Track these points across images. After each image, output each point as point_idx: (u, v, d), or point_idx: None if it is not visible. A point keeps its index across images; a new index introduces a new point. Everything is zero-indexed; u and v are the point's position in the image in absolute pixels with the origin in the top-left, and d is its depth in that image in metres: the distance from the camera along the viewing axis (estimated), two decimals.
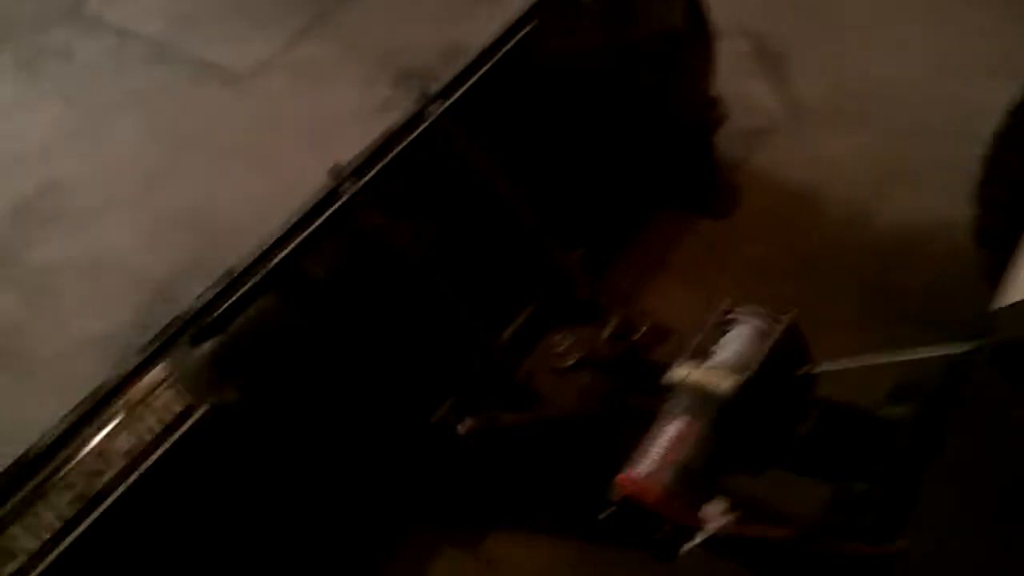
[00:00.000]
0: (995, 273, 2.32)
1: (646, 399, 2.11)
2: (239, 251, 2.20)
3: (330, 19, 3.95)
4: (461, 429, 2.24)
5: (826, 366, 2.01)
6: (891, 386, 2.03)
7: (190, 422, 1.95)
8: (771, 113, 3.33)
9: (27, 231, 3.46)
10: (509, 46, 2.45)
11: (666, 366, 2.07)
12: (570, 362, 2.33)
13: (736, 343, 2.02)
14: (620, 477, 1.85)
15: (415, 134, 2.28)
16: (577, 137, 2.58)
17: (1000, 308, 1.33)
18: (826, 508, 1.91)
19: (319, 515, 2.16)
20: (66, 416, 1.92)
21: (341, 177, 2.19)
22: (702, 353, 2.05)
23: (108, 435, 1.92)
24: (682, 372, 1.99)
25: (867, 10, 3.63)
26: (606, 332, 2.28)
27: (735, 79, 3.29)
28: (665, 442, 1.90)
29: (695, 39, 2.81)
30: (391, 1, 4.01)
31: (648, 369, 2.25)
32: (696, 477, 1.87)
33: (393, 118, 2.41)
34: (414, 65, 3.67)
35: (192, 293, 2.20)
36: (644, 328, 2.31)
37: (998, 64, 3.22)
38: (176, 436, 1.94)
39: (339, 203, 2.16)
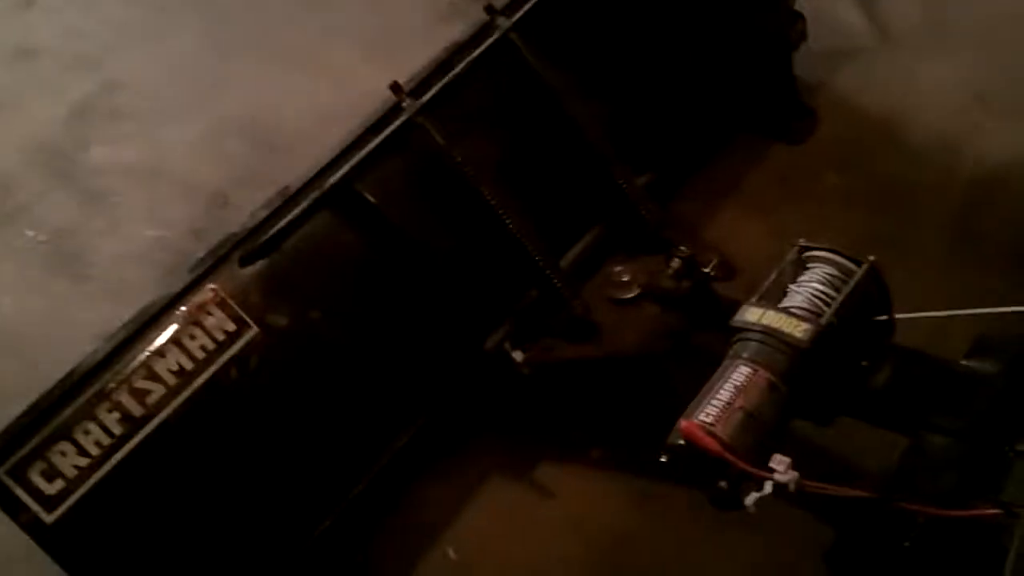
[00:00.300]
0: None
1: (713, 338, 2.00)
2: (297, 162, 2.12)
3: None
4: (517, 358, 2.16)
5: (905, 315, 1.89)
6: (975, 338, 1.91)
7: (239, 344, 1.90)
8: (857, 33, 3.13)
9: (85, 132, 3.40)
10: None
11: (736, 304, 1.95)
12: (632, 293, 2.23)
13: (812, 286, 1.90)
14: (683, 423, 1.75)
15: (479, 51, 2.17)
16: (651, 54, 2.45)
17: None
18: (902, 464, 1.80)
19: (367, 442, 2.11)
20: (114, 334, 1.87)
21: (402, 94, 2.08)
22: (775, 294, 1.93)
23: (156, 354, 1.86)
24: (753, 314, 1.87)
25: None
26: (673, 264, 2.15)
27: None
28: (731, 388, 1.79)
29: None
30: None
31: (716, 306, 2.15)
32: (762, 427, 1.77)
33: (457, 28, 2.30)
34: None
35: (248, 202, 2.14)
36: (713, 262, 2.18)
37: None
38: (225, 357, 1.89)
39: (398, 122, 2.06)
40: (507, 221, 2.13)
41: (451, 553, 2.25)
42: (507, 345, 2.18)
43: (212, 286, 1.92)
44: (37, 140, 3.38)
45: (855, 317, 1.88)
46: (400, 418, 2.13)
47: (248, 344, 1.91)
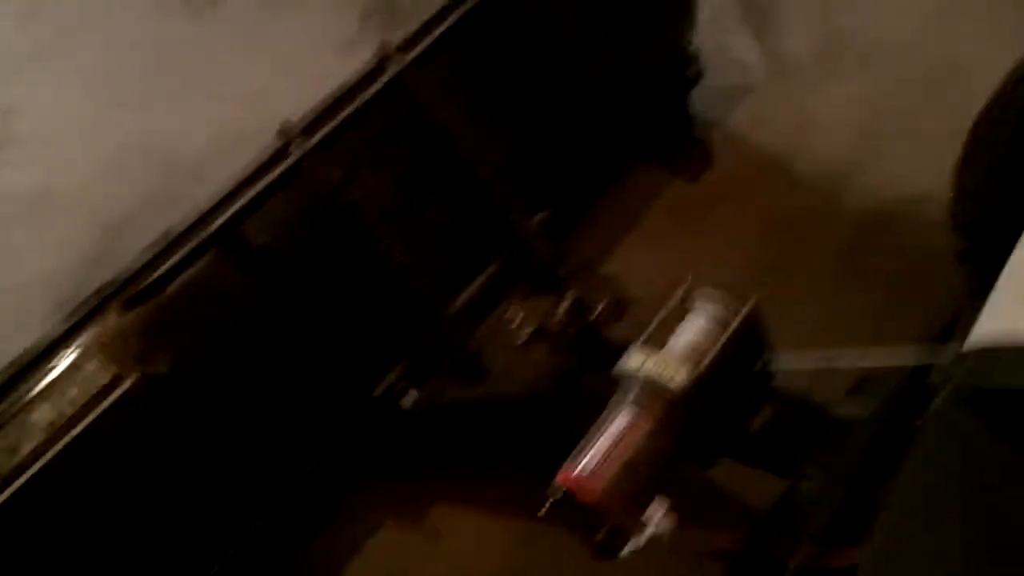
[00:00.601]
0: (967, 260, 2.25)
1: (602, 379, 2.01)
2: (201, 190, 2.10)
3: None
4: (406, 402, 2.16)
5: (785, 363, 1.93)
6: (857, 378, 1.96)
7: (117, 393, 1.86)
8: (753, 70, 3.18)
9: None
10: None
11: (624, 346, 1.98)
12: (524, 335, 2.24)
13: (692, 332, 1.93)
14: (561, 473, 1.77)
15: (371, 90, 2.16)
16: (548, 91, 2.46)
17: (973, 350, 1.23)
18: (776, 508, 1.85)
19: (255, 488, 2.09)
20: None
21: (291, 135, 2.07)
22: (658, 340, 1.95)
23: (29, 405, 1.83)
24: (636, 359, 1.89)
25: None
26: (563, 306, 2.18)
27: (717, 32, 3.15)
28: (612, 435, 1.82)
29: None
30: None
31: (605, 347, 2.18)
32: (643, 473, 1.81)
33: (359, 57, 2.28)
34: None
35: (150, 231, 2.11)
36: (603, 304, 2.21)
37: (996, 27, 3.06)
38: (101, 408, 1.85)
39: (287, 163, 2.04)
40: (400, 262, 2.13)
41: None
42: (399, 387, 2.17)
43: (91, 333, 1.89)
44: None
45: (736, 360, 1.91)
46: (289, 465, 2.12)
47: (127, 392, 1.87)
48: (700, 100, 2.93)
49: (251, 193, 2.02)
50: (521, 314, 2.26)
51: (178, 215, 2.04)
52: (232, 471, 2.05)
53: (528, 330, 2.23)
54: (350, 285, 2.15)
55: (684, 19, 2.72)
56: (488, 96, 2.38)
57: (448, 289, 2.25)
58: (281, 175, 2.04)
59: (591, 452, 1.79)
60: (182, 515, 2.00)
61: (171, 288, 1.96)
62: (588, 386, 2.14)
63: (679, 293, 1.99)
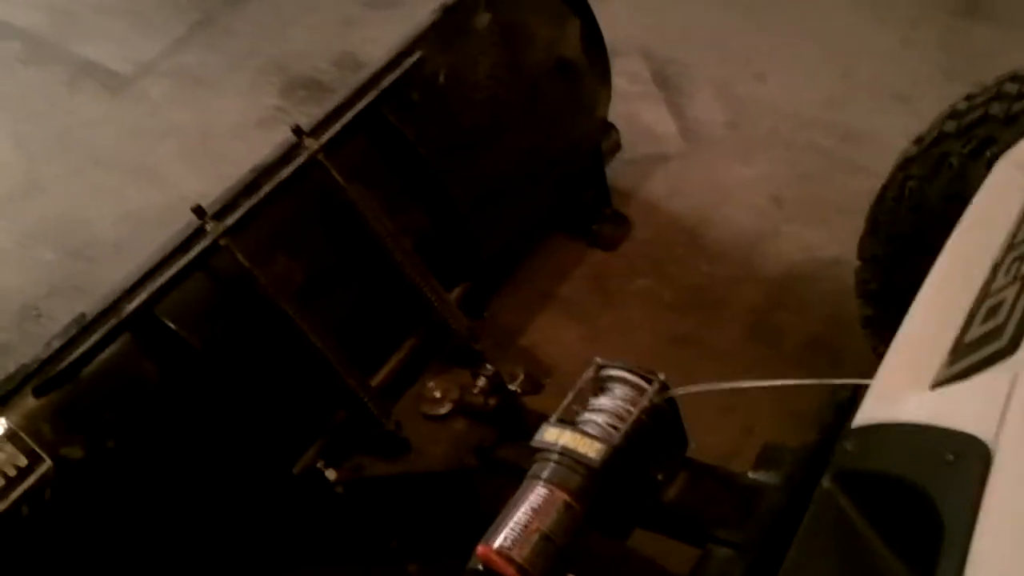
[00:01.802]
0: (871, 326, 2.32)
1: (521, 452, 2.04)
2: (113, 272, 2.11)
3: (218, 21, 3.80)
4: (330, 476, 2.16)
5: (682, 390, 1.95)
6: (761, 448, 1.99)
7: (32, 479, 1.84)
8: (666, 140, 3.30)
9: None
10: (394, 76, 2.37)
11: (542, 418, 2.00)
12: (443, 410, 2.25)
13: (607, 405, 1.96)
14: (480, 548, 1.78)
15: (286, 172, 2.19)
16: (464, 166, 2.50)
17: (855, 428, 1.27)
18: (691, 573, 1.86)
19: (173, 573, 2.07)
20: None
21: (205, 217, 2.08)
22: (574, 413, 1.98)
23: None
24: (551, 434, 1.92)
25: (767, 34, 3.61)
26: (479, 383, 2.20)
27: (630, 103, 3.27)
28: (528, 510, 1.83)
29: (591, 65, 2.76)
30: (279, 7, 3.87)
31: (522, 420, 2.19)
32: (558, 547, 1.82)
33: (278, 133, 2.32)
34: (305, 74, 3.56)
35: (61, 314, 2.10)
36: (520, 377, 2.24)
37: (900, 91, 3.22)
38: (16, 493, 1.82)
39: (201, 246, 2.05)
40: (315, 342, 2.13)
41: None
42: (320, 464, 2.17)
43: (2, 419, 1.86)
44: None
45: (648, 433, 1.94)
46: (206, 549, 2.10)
47: (41, 478, 1.84)
48: (616, 170, 3.02)
49: (165, 276, 2.01)
50: (440, 388, 2.27)
51: (90, 298, 2.03)
52: (150, 558, 2.02)
53: (448, 404, 2.25)
54: (265, 366, 2.14)
55: (602, 91, 2.79)
56: (403, 172, 2.41)
57: (365, 366, 2.24)
58: (196, 257, 2.05)
59: (509, 525, 1.80)
60: None
61: (85, 372, 1.94)
62: (507, 458, 2.15)
63: (592, 368, 2.02)
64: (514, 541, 1.78)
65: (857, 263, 2.31)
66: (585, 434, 1.90)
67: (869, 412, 1.25)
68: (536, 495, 1.85)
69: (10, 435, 1.86)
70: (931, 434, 1.11)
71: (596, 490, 1.87)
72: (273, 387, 2.15)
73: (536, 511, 1.82)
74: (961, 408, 1.12)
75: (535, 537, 1.79)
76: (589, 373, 2.02)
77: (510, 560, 1.76)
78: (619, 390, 1.98)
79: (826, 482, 1.19)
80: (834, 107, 3.29)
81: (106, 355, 1.97)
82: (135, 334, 2.00)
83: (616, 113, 2.94)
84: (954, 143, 2.03)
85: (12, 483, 1.84)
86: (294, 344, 2.12)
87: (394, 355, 2.33)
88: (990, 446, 1.04)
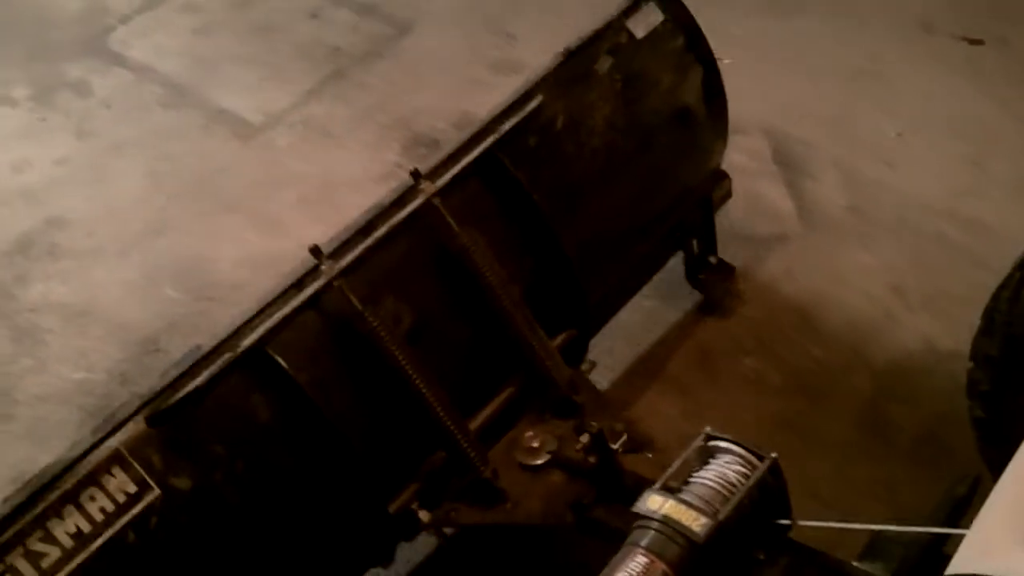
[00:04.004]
0: (982, 430, 2.23)
1: (620, 515, 2.04)
2: (229, 311, 2.16)
3: (348, 77, 3.90)
4: (423, 518, 2.16)
5: (803, 523, 1.92)
6: (870, 539, 1.94)
7: (140, 506, 1.88)
8: (784, 220, 3.26)
9: (24, 267, 3.40)
10: (513, 121, 2.39)
11: (641, 481, 2.01)
12: (540, 460, 2.23)
13: (713, 478, 1.93)
14: None
15: (401, 215, 2.22)
16: (575, 212, 2.49)
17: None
18: None
19: None
20: (10, 497, 1.83)
21: (321, 256, 2.11)
22: (678, 482, 1.95)
23: (54, 515, 1.82)
24: (655, 502, 1.88)
25: (895, 119, 3.56)
26: (584, 438, 2.18)
27: (749, 180, 3.26)
28: None
29: (710, 114, 2.73)
30: (410, 65, 3.96)
31: (621, 480, 2.16)
32: None
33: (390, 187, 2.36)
34: (426, 132, 3.64)
35: (178, 350, 2.15)
36: (623, 437, 2.21)
37: None
38: (124, 520, 1.86)
39: (316, 286, 2.09)
40: (418, 384, 2.13)
41: None
42: (415, 505, 2.16)
43: (115, 447, 1.90)
44: None
45: (754, 511, 1.90)
46: None
47: (149, 506, 1.88)
48: (730, 247, 2.98)
49: (279, 314, 2.05)
50: (538, 438, 2.26)
51: (205, 336, 2.07)
52: None
53: (545, 455, 2.23)
54: (368, 405, 2.15)
55: (718, 140, 2.77)
56: (515, 217, 2.41)
57: (464, 410, 2.23)
58: (310, 297, 2.08)
59: None
60: None
61: (197, 404, 1.98)
62: (605, 520, 2.12)
63: (700, 437, 1.99)
64: None
65: (969, 362, 2.22)
66: (689, 505, 1.87)
67: (965, 562, 1.26)
68: (635, 563, 1.82)
69: (121, 462, 1.91)
70: None
71: (696, 564, 1.83)
72: (374, 427, 2.16)
73: None
74: None
75: None
76: (697, 442, 1.99)
77: None
78: (727, 463, 1.94)
79: None
80: (963, 198, 3.23)
81: (219, 389, 2.01)
82: (247, 369, 2.04)
83: (736, 188, 2.93)
84: None
85: (120, 509, 1.88)
86: (397, 385, 2.13)
87: (493, 401, 2.31)
88: None
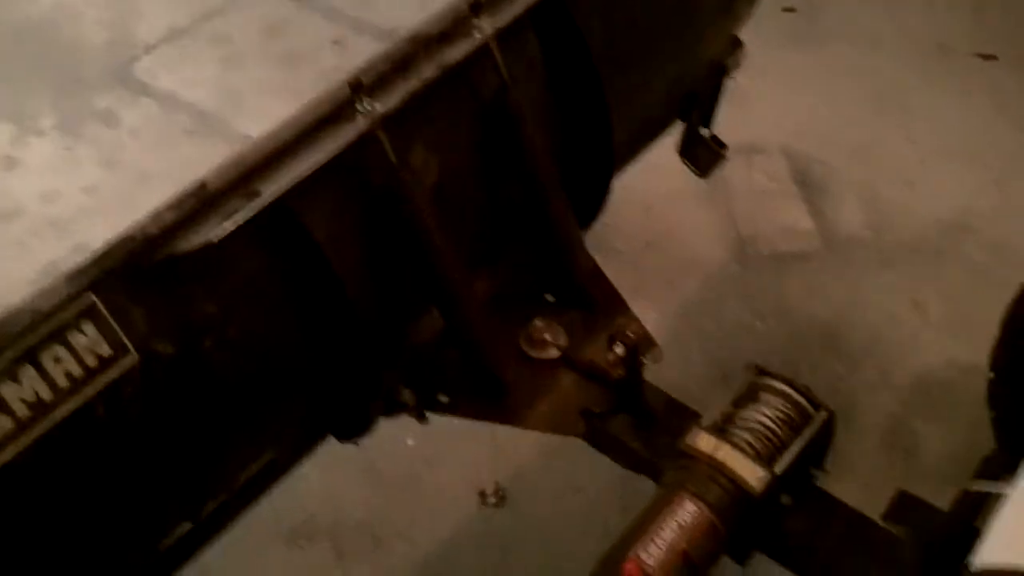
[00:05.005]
0: (1004, 438, 2.17)
1: (638, 433, 1.91)
2: None
3: None
4: (406, 399, 1.94)
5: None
6: (897, 495, 1.87)
7: (113, 373, 1.50)
8: (805, 239, 3.19)
9: None
10: None
11: (667, 401, 1.91)
12: (549, 355, 2.01)
13: (768, 424, 1.78)
14: (629, 563, 1.61)
15: (454, 56, 1.81)
16: (623, 71, 2.16)
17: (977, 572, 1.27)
18: None
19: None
20: None
21: (360, 95, 1.71)
22: (726, 421, 1.80)
23: (8, 376, 1.44)
24: (707, 443, 1.74)
25: (915, 142, 3.51)
26: (616, 350, 1.89)
27: (770, 200, 3.22)
28: (675, 527, 1.66)
29: None
30: None
31: (643, 397, 1.95)
32: (695, 571, 1.67)
33: None
34: None
35: None
36: (653, 351, 1.97)
37: None
38: (93, 388, 1.49)
39: (350, 134, 1.70)
40: (437, 245, 1.84)
41: None
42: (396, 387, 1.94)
43: (90, 299, 1.51)
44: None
45: (803, 462, 1.79)
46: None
47: (124, 374, 1.52)
48: (750, 268, 2.95)
49: (307, 163, 1.66)
50: (548, 331, 2.04)
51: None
52: (235, 464, 1.79)
53: (554, 349, 2.01)
54: (379, 267, 1.85)
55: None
56: (559, 74, 2.08)
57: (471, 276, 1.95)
58: (344, 147, 1.69)
59: (655, 541, 1.64)
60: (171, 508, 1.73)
61: (193, 255, 1.58)
62: (620, 435, 1.94)
63: (751, 371, 1.86)
64: (660, 561, 1.63)
65: (989, 374, 2.19)
66: (745, 453, 1.73)
67: (990, 553, 1.27)
68: (686, 511, 1.68)
69: (95, 317, 1.52)
70: None
71: (747, 518, 1.72)
72: (382, 293, 1.87)
73: (683, 528, 1.67)
74: None
75: (680, 559, 1.64)
76: (748, 377, 1.85)
77: None
78: (782, 407, 1.80)
79: None
80: (983, 218, 3.19)
81: (221, 240, 1.60)
82: (257, 220, 1.63)
83: (752, 210, 2.91)
84: None
85: (90, 375, 1.49)
86: (413, 246, 1.83)
87: (506, 276, 2.08)
88: None
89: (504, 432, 2.59)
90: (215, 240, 1.57)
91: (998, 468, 1.61)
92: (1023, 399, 2.06)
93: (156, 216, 1.58)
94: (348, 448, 2.18)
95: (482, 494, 2.62)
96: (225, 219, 1.59)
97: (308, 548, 2.58)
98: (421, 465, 2.70)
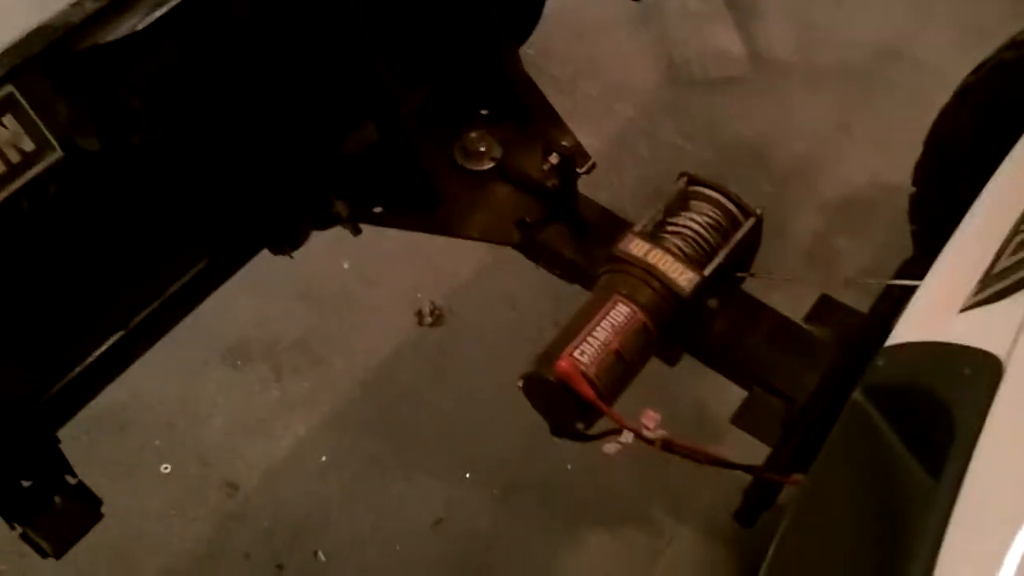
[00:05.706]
0: (921, 249, 2.26)
1: (570, 241, 1.94)
2: None
3: None
4: (339, 210, 1.92)
5: (758, 275, 1.91)
6: (819, 299, 1.94)
7: (37, 169, 1.46)
8: (734, 63, 3.15)
9: None
10: None
11: (605, 214, 1.94)
12: (485, 166, 2.02)
13: (698, 229, 1.82)
14: (562, 362, 1.65)
15: None
16: None
17: (887, 347, 1.31)
18: (738, 415, 1.81)
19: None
20: None
21: None
22: (658, 226, 1.83)
23: None
24: (639, 247, 1.77)
25: None
26: (551, 159, 1.90)
27: (701, 23, 3.15)
28: (608, 327, 1.71)
29: None
30: None
31: (576, 206, 1.98)
32: (627, 369, 1.74)
33: None
34: None
35: None
36: (588, 164, 1.99)
37: (974, 27, 3.07)
38: (16, 183, 1.45)
39: None
40: (371, 56, 1.81)
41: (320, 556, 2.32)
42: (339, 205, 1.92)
43: (10, 89, 1.43)
44: None
45: (731, 266, 1.83)
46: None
47: (48, 169, 1.47)
48: (686, 92, 2.91)
49: None
50: (483, 142, 2.03)
51: None
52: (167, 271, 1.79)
53: (489, 161, 2.02)
54: (309, 55, 1.81)
55: None
56: None
57: (407, 83, 1.93)
58: None
59: (588, 340, 1.69)
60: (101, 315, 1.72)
61: (118, 45, 1.50)
62: (552, 244, 1.97)
63: (683, 180, 1.87)
64: (592, 357, 1.68)
65: (912, 189, 2.26)
66: (676, 257, 1.77)
67: (901, 332, 1.32)
68: (618, 312, 1.73)
69: (16, 110, 1.45)
70: (953, 351, 1.21)
71: (676, 318, 1.77)
72: (310, 80, 1.83)
73: (616, 329, 1.71)
74: (982, 329, 1.21)
75: (612, 357, 1.70)
76: (680, 184, 1.87)
77: (587, 377, 1.66)
78: (712, 213, 1.84)
79: (857, 395, 1.25)
80: (907, 39, 3.16)
81: (143, 33, 1.51)
82: (181, 8, 1.54)
83: (685, 35, 2.85)
84: (1013, 73, 1.95)
85: (13, 171, 1.45)
86: (345, 38, 1.79)
87: (438, 87, 2.04)
88: (1003, 362, 1.15)
89: (440, 253, 2.66)
90: (139, 28, 1.49)
91: (916, 270, 1.67)
92: (941, 212, 2.07)
93: (78, 4, 1.49)
94: (283, 272, 2.22)
95: (419, 314, 2.64)
96: (150, 8, 1.53)
97: (245, 367, 2.59)
98: (357, 285, 2.71)
